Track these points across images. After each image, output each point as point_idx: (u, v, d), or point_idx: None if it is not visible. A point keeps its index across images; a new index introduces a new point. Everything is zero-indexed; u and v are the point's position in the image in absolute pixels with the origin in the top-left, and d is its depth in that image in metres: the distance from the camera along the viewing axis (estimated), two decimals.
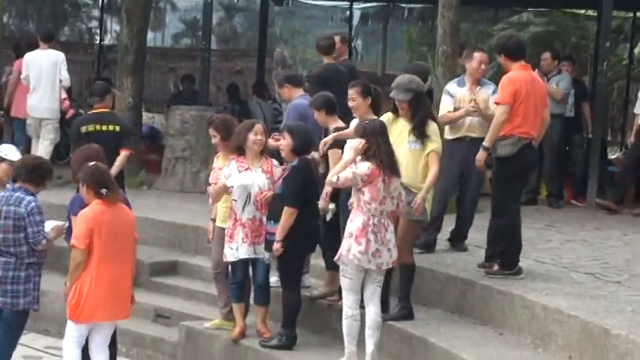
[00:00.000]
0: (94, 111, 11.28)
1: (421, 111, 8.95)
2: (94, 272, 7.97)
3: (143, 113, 17.46)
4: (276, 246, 8.94)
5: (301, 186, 8.97)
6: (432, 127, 8.98)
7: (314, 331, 9.54)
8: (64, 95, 14.21)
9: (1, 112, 15.30)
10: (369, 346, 8.51)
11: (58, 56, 14.21)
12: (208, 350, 9.76)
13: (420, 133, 8.90)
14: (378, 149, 8.37)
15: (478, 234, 10.64)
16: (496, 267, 9.39)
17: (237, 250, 9.27)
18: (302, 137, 9.16)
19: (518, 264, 9.39)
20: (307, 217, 8.98)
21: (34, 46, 14.63)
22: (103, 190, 7.97)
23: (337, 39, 11.67)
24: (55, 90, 14.00)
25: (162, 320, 10.71)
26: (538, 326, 8.38)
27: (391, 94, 9.06)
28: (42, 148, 13.86)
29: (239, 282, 9.42)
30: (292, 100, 10.51)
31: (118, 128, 11.03)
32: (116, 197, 8.07)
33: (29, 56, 14.26)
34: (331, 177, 8.50)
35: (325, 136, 9.40)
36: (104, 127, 11.00)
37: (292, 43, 27.69)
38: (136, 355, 10.25)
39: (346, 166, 8.50)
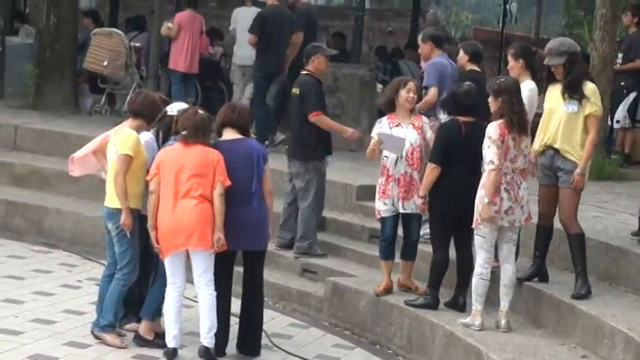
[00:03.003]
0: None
1: (576, 71, 8.69)
2: (160, 205, 8.33)
3: None
4: (419, 202, 9.11)
5: (444, 143, 8.91)
6: (590, 88, 8.70)
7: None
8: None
9: (160, 64, 15.69)
10: (504, 304, 8.58)
11: None
12: (354, 306, 9.81)
13: (574, 92, 8.63)
14: (511, 107, 8.40)
15: (633, 202, 10.41)
16: None
17: (392, 205, 9.30)
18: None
19: None
20: (453, 178, 8.90)
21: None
22: (183, 132, 8.34)
23: None
24: None
25: (308, 275, 10.79)
26: None
27: (545, 62, 8.87)
28: (247, 91, 15.09)
29: (389, 238, 9.46)
30: (431, 58, 10.67)
31: (298, 91, 10.89)
32: (189, 140, 8.31)
33: (237, 11, 15.53)
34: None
35: None
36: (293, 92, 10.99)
37: (446, 4, 27.40)
38: (283, 308, 10.36)
39: None
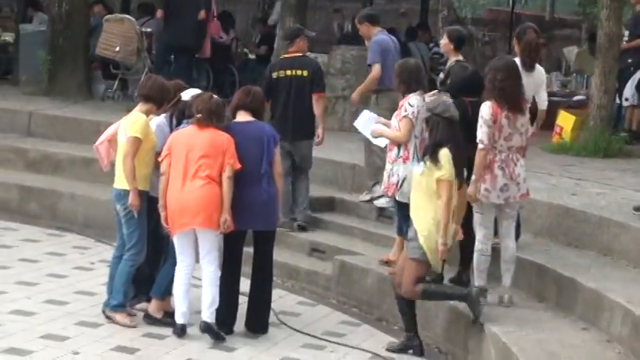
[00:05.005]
0: (285, 56, 11.40)
1: (433, 135, 8.26)
2: (170, 185, 8.49)
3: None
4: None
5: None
6: (443, 153, 8.18)
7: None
8: None
9: None
10: (506, 279, 8.64)
11: None
12: (361, 284, 9.96)
13: (424, 154, 8.33)
14: (499, 85, 8.40)
15: (638, 178, 10.51)
16: None
17: None
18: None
19: None
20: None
21: None
22: (198, 115, 8.51)
23: None
24: None
25: (317, 254, 10.94)
26: None
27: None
28: None
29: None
30: (372, 36, 11.23)
31: (305, 73, 11.00)
32: (202, 123, 8.48)
33: (278, 4, 16.08)
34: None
35: None
36: (294, 72, 11.02)
37: None
38: (291, 287, 10.50)
39: None
